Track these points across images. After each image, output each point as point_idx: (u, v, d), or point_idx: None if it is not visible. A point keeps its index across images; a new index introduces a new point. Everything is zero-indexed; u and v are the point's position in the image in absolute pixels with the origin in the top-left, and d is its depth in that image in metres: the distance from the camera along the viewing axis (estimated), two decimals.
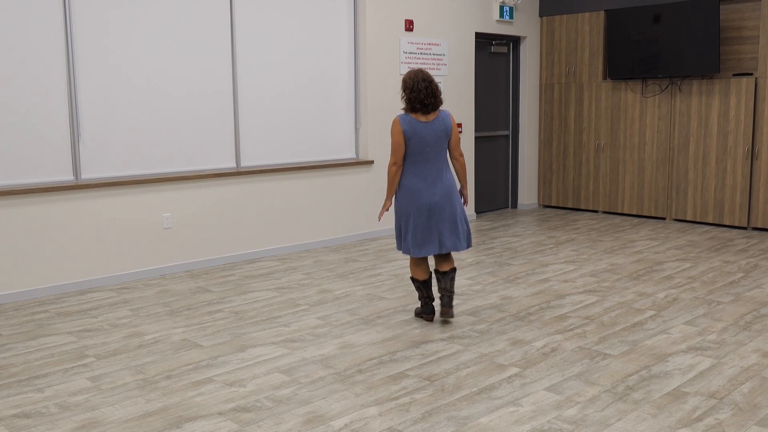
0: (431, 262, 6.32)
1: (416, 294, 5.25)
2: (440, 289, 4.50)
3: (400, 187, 4.41)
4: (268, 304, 5.06)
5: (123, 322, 4.68)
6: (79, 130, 5.49)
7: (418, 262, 4.53)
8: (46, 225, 5.30)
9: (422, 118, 4.31)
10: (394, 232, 4.56)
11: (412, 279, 4.57)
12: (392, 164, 4.34)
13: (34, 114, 5.25)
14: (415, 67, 7.61)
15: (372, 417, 3.23)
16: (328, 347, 4.15)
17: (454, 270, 4.52)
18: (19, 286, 5.23)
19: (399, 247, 4.54)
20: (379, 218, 4.62)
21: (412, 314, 4.76)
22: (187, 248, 6.08)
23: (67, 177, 5.46)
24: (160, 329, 4.52)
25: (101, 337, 4.37)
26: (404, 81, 4.33)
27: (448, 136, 4.38)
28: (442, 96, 7.95)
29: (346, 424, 3.15)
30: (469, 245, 4.54)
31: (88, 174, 5.55)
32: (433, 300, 4.61)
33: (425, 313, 4.59)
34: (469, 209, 8.48)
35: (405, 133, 4.28)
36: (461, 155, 4.47)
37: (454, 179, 4.47)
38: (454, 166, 4.51)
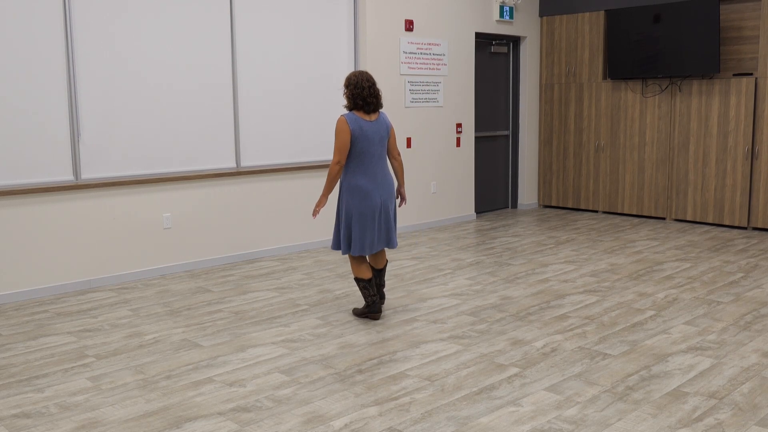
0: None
1: (416, 294, 5.25)
2: (376, 285, 4.67)
3: (349, 188, 4.41)
4: (268, 304, 5.06)
5: (123, 322, 4.68)
6: (79, 129, 5.49)
7: (361, 261, 4.55)
8: (46, 225, 5.30)
9: (366, 117, 4.37)
10: (340, 232, 4.58)
11: (358, 279, 4.57)
12: (336, 163, 4.33)
13: (34, 114, 5.25)
14: (415, 66, 7.62)
15: (372, 417, 3.23)
16: (328, 347, 4.15)
17: (386, 264, 4.74)
18: (19, 286, 5.23)
19: (338, 247, 4.57)
20: (315, 215, 4.46)
21: (413, 314, 4.76)
22: (187, 248, 6.08)
23: (67, 177, 5.46)
24: (160, 329, 4.52)
25: (101, 337, 4.37)
26: (348, 78, 4.37)
27: (388, 135, 4.47)
28: (442, 96, 7.95)
29: (346, 424, 3.15)
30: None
31: (88, 174, 5.56)
32: (378, 298, 4.64)
33: (372, 311, 4.62)
34: (469, 209, 8.48)
35: (352, 132, 4.30)
36: (399, 154, 4.60)
37: (393, 178, 4.60)
38: (393, 165, 4.61)
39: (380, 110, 4.48)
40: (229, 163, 6.38)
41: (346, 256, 6.58)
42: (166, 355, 4.06)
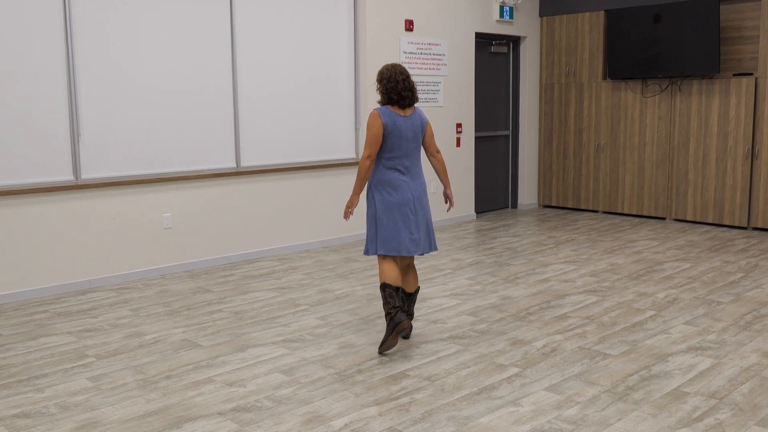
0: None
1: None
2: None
3: (378, 183, 4.10)
4: (268, 304, 5.06)
5: (123, 322, 4.68)
6: (79, 130, 5.49)
7: (391, 264, 4.08)
8: (46, 225, 5.30)
9: (400, 112, 4.07)
10: (372, 231, 4.17)
11: (385, 286, 4.03)
12: (366, 157, 4.02)
13: (34, 113, 5.25)
14: (416, 66, 7.61)
15: (372, 417, 3.23)
16: (328, 347, 4.15)
17: (418, 290, 4.26)
18: (19, 286, 5.23)
19: (373, 251, 4.11)
20: (347, 218, 4.10)
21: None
22: (187, 248, 6.08)
23: (67, 177, 5.46)
24: (160, 329, 4.52)
25: (101, 337, 4.37)
26: (381, 73, 4.11)
27: (423, 132, 4.17)
28: (442, 96, 7.95)
29: (346, 424, 3.15)
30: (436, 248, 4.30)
31: (88, 174, 5.56)
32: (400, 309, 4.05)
33: (399, 321, 3.95)
34: (469, 209, 8.48)
35: (385, 126, 4.02)
36: (438, 151, 4.24)
37: (425, 179, 4.25)
38: (432, 164, 4.26)
39: (415, 105, 4.21)
40: (229, 163, 6.38)
41: (350, 256, 6.56)
42: (166, 355, 4.06)
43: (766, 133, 7.40)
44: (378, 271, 4.22)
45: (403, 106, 4.08)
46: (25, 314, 4.87)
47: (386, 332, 3.97)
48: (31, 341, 4.32)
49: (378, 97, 7.37)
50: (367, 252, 4.17)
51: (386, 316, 4.00)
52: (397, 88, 4.05)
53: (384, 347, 3.99)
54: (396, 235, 4.06)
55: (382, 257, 4.11)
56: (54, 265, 5.37)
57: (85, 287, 5.53)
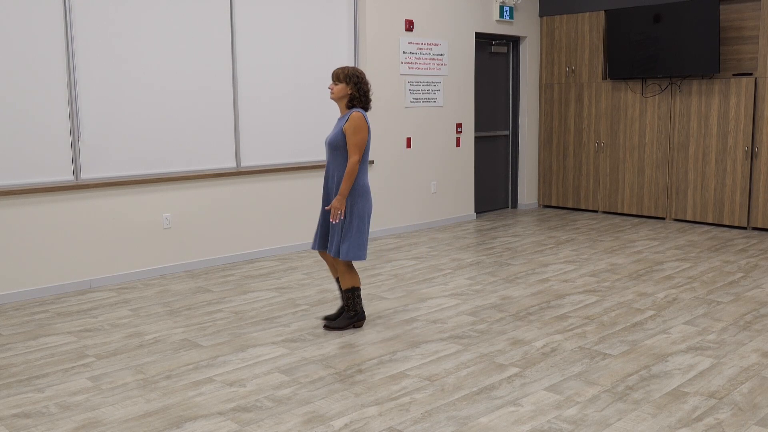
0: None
1: (416, 294, 5.24)
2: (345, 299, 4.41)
3: (357, 189, 4.22)
4: (268, 304, 5.06)
5: (123, 322, 4.68)
6: (79, 129, 5.49)
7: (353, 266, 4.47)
8: (46, 225, 5.31)
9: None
10: (365, 237, 4.32)
11: (355, 289, 4.40)
12: (357, 162, 4.13)
13: (34, 114, 5.25)
14: (415, 66, 7.61)
15: (372, 417, 3.23)
16: (328, 347, 4.15)
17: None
18: (19, 286, 5.23)
19: (364, 256, 4.28)
20: (336, 220, 4.17)
21: (413, 314, 4.76)
22: (187, 248, 6.08)
23: (67, 177, 5.46)
24: (160, 329, 4.52)
25: (101, 337, 4.37)
26: (356, 75, 4.16)
27: None
28: (442, 96, 7.95)
29: (346, 424, 3.15)
30: None
31: (88, 174, 5.56)
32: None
33: (362, 318, 4.48)
34: (469, 209, 8.49)
35: (369, 130, 4.19)
36: None
37: None
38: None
39: None
40: (229, 163, 6.38)
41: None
42: (166, 355, 4.06)
43: (765, 133, 7.40)
44: (352, 275, 4.39)
45: (367, 110, 4.29)
46: (25, 314, 4.87)
47: (345, 321, 4.42)
48: (31, 341, 4.32)
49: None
50: (355, 257, 4.30)
51: (354, 314, 4.42)
52: (368, 94, 4.25)
53: (331, 328, 4.42)
54: (366, 241, 4.32)
55: (351, 262, 4.38)
56: (54, 265, 5.37)
57: (85, 287, 5.53)
